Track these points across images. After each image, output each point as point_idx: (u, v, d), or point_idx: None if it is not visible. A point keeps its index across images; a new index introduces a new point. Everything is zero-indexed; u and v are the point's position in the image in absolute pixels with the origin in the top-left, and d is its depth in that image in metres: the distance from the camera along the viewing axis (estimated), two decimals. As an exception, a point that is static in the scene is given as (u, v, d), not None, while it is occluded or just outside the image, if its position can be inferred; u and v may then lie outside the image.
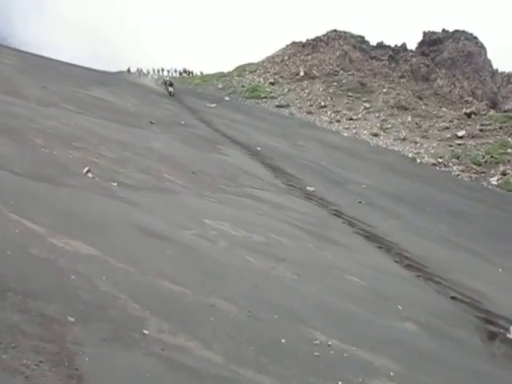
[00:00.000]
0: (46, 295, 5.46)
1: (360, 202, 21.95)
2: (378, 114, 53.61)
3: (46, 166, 11.21)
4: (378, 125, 51.26)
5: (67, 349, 4.61)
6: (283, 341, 6.70)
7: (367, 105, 55.87)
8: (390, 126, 50.86)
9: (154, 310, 6.12)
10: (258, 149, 29.17)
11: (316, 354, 6.67)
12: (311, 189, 21.55)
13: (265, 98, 59.34)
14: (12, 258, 6.09)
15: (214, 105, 47.23)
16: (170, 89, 48.41)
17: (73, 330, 4.97)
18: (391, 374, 6.95)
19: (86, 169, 11.84)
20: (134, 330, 5.51)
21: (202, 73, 78.01)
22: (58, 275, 6.11)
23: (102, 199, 10.39)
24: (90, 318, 5.37)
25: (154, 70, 75.30)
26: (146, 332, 5.57)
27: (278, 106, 56.64)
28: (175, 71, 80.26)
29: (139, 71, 72.12)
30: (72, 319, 5.17)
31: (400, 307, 10.14)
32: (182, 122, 30.86)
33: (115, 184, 11.88)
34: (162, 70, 79.08)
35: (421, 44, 66.44)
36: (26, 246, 6.62)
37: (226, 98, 56.34)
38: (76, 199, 9.71)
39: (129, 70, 75.80)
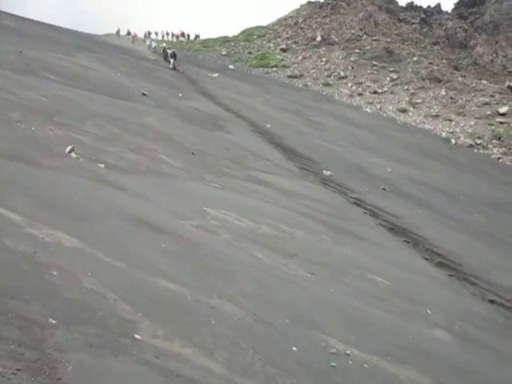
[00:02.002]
0: (24, 294, 5.50)
1: (384, 189, 21.94)
2: (406, 87, 53.39)
3: (23, 145, 11.25)
4: (407, 99, 51.09)
5: (48, 355, 4.65)
6: (295, 349, 6.73)
7: (394, 76, 55.62)
8: (420, 100, 50.66)
9: (147, 312, 6.15)
10: (268, 126, 29.14)
11: (332, 364, 6.71)
12: (328, 173, 21.54)
13: (275, 66, 59.22)
14: (-15, 250, 6.14)
15: (216, 74, 47.11)
16: (172, 61, 45.91)
17: (54, 334, 5.01)
18: (418, 388, 7.00)
19: (69, 148, 11.87)
20: (124, 334, 5.55)
21: (197, 36, 77.66)
22: (37, 271, 6.15)
23: (88, 183, 10.42)
24: (73, 320, 5.41)
25: (147, 34, 74.68)
26: (137, 337, 5.61)
27: (290, 77, 56.52)
28: (170, 34, 79.77)
29: (134, 36, 71.37)
30: (54, 321, 5.21)
31: (429, 312, 10.17)
32: (180, 95, 30.83)
33: (103, 166, 11.92)
34: (156, 33, 78.59)
35: (458, 5, 65.99)
36: (1, 236, 6.65)
37: (231, 67, 56.26)
38: (58, 183, 9.74)
39: (118, 33, 75.49)
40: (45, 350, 4.69)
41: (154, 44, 61.65)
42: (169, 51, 48.23)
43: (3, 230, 6.87)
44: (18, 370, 4.29)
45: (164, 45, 55.92)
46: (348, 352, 7.19)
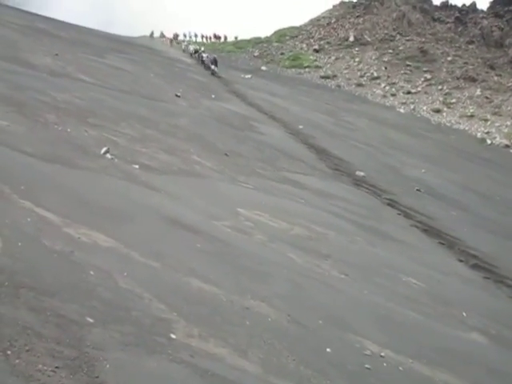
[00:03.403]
0: (61, 293, 5.60)
1: (418, 190, 21.73)
2: (440, 87, 52.82)
3: (59, 146, 11.43)
4: (441, 99, 50.54)
5: (86, 353, 4.72)
6: (329, 350, 6.73)
7: (428, 76, 55.05)
8: (454, 100, 50.06)
9: (182, 312, 6.21)
10: (300, 127, 29.08)
11: (367, 366, 6.69)
12: (361, 174, 21.42)
13: (308, 67, 59.10)
14: (23, 250, 6.24)
15: (249, 75, 47.24)
16: (213, 67, 42.97)
17: (92, 333, 5.08)
18: (454, 391, 6.93)
19: (104, 149, 12.03)
20: (159, 333, 5.61)
21: (236, 38, 77.38)
22: (74, 270, 6.25)
23: (123, 184, 10.54)
24: (110, 319, 5.49)
25: (176, 36, 74.04)
26: (173, 336, 5.66)
27: (323, 77, 56.35)
28: (200, 36, 79.56)
29: (171, 38, 70.03)
30: (91, 320, 5.29)
31: (465, 314, 10.06)
32: (213, 96, 30.96)
33: (137, 166, 12.04)
34: (184, 35, 78.24)
35: (494, 3, 64.94)
36: (39, 236, 6.77)
37: (263, 68, 56.35)
38: (93, 184, 9.88)
39: (152, 35, 75.81)
40: (83, 348, 4.77)
41: (191, 47, 58.84)
42: (205, 55, 45.71)
43: (41, 230, 6.99)
44: (56, 367, 4.37)
45: (202, 49, 52.89)
46: (382, 354, 7.15)
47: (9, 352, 4.29)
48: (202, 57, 46.24)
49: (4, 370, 4.11)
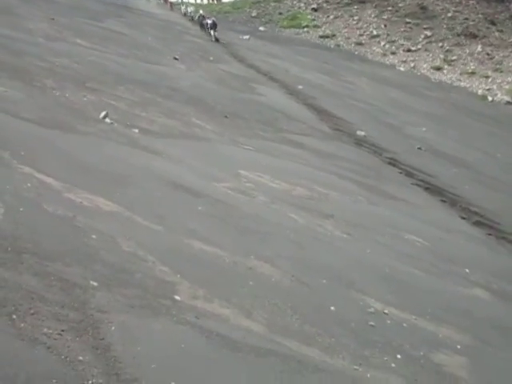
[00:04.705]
0: (65, 257, 5.60)
1: (419, 149, 21.60)
2: (441, 44, 52.14)
3: (58, 111, 11.36)
4: (442, 56, 49.94)
5: (91, 316, 4.75)
6: (332, 308, 6.76)
7: (428, 33, 54.31)
8: (455, 57, 49.50)
9: (186, 274, 6.22)
10: (300, 87, 28.82)
11: (371, 323, 6.72)
12: (362, 133, 21.26)
13: (306, 27, 58.28)
14: (25, 215, 6.23)
15: (247, 36, 46.65)
16: (213, 32, 40.93)
17: (96, 296, 5.10)
18: (458, 346, 6.96)
19: (104, 113, 11.95)
20: (163, 295, 5.63)
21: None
22: (77, 234, 6.24)
23: (123, 148, 10.50)
24: (114, 282, 5.50)
25: None
26: (177, 298, 5.68)
27: (321, 37, 55.59)
28: None
29: (170, 2, 68.67)
30: (95, 284, 5.30)
31: (468, 271, 10.07)
32: (211, 58, 30.63)
33: (137, 130, 11.98)
34: None
35: (494, -43, 63.73)
36: (40, 202, 6.76)
37: (261, 28, 55.56)
38: (94, 148, 9.83)
39: (148, -3, 74.52)
40: (87, 312, 4.79)
41: (189, 9, 56.34)
42: (209, 21, 42.34)
43: (42, 196, 6.97)
44: (62, 330, 4.40)
45: (201, 12, 49.38)
46: (386, 311, 7.18)
47: (14, 316, 4.31)
48: (207, 23, 43.05)
49: (10, 333, 4.13)
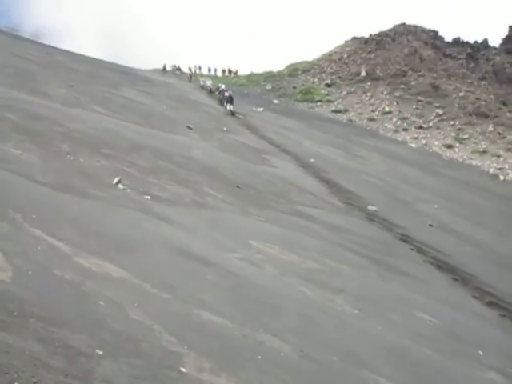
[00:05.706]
0: (71, 323, 5.50)
1: (431, 226, 21.56)
2: (452, 122, 52.88)
3: (71, 175, 11.43)
4: (453, 134, 50.56)
5: (95, 386, 4.62)
6: (343, 387, 6.57)
7: (440, 111, 55.19)
8: (467, 136, 50.06)
9: (193, 345, 6.09)
10: (312, 160, 29.10)
11: (383, 404, 6.52)
12: (373, 208, 21.30)
13: (320, 101, 59.46)
14: (33, 279, 6.17)
15: (261, 109, 47.52)
16: (229, 106, 40.34)
17: (101, 365, 4.98)
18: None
19: (117, 179, 12.02)
20: (169, 367, 5.49)
21: (251, 72, 77.82)
22: (84, 300, 6.16)
23: (135, 214, 10.50)
24: (120, 351, 5.38)
25: (190, 68, 73.35)
26: (183, 370, 5.54)
27: (334, 112, 56.63)
28: (213, 69, 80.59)
29: (191, 72, 69.14)
30: (100, 352, 5.18)
31: (481, 353, 9.84)
32: (225, 128, 31.13)
33: (149, 197, 12.01)
34: (200, 68, 79.24)
35: (506, 40, 65.26)
36: (49, 265, 6.70)
37: (275, 101, 56.68)
38: (105, 214, 9.84)
39: (164, 68, 76.58)
40: (91, 381, 4.66)
41: (208, 83, 55.72)
42: (227, 94, 41.47)
43: (51, 260, 6.92)
44: (65, 400, 4.27)
45: (223, 86, 47.49)
46: (398, 392, 6.98)
47: (16, 384, 4.20)
48: (226, 96, 41.43)
49: (11, 402, 4.01)
